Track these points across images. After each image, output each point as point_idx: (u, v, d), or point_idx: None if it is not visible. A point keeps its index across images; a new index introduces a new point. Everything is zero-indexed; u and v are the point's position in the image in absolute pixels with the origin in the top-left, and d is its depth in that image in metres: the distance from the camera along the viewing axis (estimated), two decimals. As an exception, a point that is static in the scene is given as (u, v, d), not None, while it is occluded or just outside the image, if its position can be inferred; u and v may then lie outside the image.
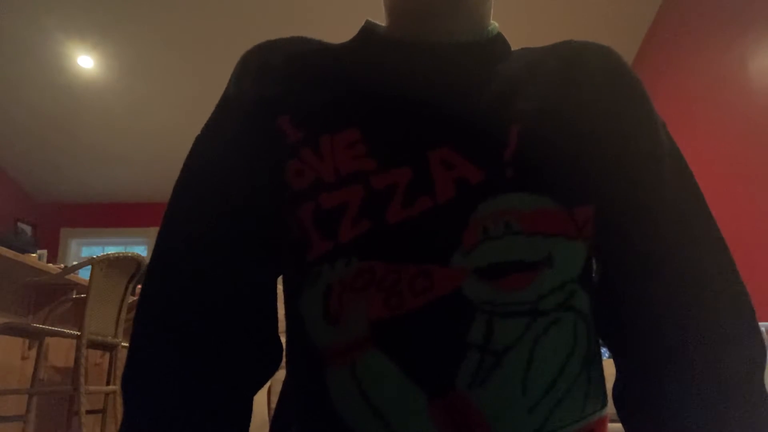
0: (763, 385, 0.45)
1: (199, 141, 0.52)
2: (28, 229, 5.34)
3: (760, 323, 0.46)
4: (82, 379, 2.29)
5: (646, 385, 0.47)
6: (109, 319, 2.57)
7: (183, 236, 0.48)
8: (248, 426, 0.48)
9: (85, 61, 4.06)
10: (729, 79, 2.63)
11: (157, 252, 0.48)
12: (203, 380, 0.45)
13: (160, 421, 0.44)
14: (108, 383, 2.78)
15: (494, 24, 0.56)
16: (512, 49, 0.56)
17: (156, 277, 0.48)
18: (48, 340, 2.42)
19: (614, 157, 0.49)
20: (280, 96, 0.50)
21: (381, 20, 0.58)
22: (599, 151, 0.49)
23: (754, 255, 2.34)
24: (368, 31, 0.56)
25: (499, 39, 0.55)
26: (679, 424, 0.44)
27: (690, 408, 0.44)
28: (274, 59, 0.53)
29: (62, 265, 3.11)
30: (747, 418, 0.43)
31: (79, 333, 2.34)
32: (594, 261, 0.49)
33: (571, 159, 0.48)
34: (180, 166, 0.50)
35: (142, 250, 5.54)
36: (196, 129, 0.52)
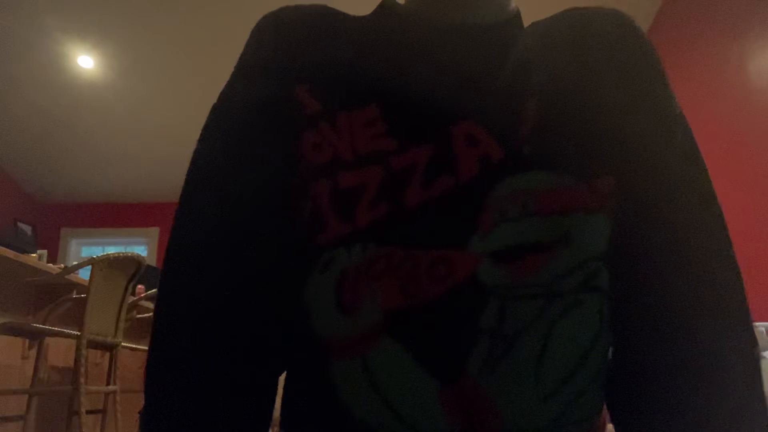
0: (762, 384, 0.44)
1: (215, 109, 0.50)
2: (28, 229, 5.34)
3: (760, 323, 0.46)
4: (82, 379, 2.29)
5: (643, 381, 0.45)
6: (109, 319, 2.57)
7: (200, 211, 0.46)
8: (273, 405, 0.46)
9: (85, 61, 4.06)
10: (729, 79, 2.63)
11: (176, 230, 0.46)
12: (231, 364, 0.43)
13: (189, 402, 0.42)
14: (108, 383, 2.77)
15: (514, 5, 0.55)
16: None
17: (175, 257, 0.45)
18: (48, 340, 2.42)
19: (628, 125, 0.47)
20: (299, 63, 0.48)
21: None
22: (614, 120, 0.47)
23: (754, 255, 2.34)
24: (387, 7, 0.54)
25: (516, 20, 0.53)
26: (675, 426, 0.43)
27: (688, 408, 0.43)
28: (292, 26, 0.51)
29: (62, 265, 3.11)
30: (747, 419, 0.43)
31: (79, 333, 2.34)
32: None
33: (588, 129, 0.46)
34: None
35: (142, 250, 5.54)
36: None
